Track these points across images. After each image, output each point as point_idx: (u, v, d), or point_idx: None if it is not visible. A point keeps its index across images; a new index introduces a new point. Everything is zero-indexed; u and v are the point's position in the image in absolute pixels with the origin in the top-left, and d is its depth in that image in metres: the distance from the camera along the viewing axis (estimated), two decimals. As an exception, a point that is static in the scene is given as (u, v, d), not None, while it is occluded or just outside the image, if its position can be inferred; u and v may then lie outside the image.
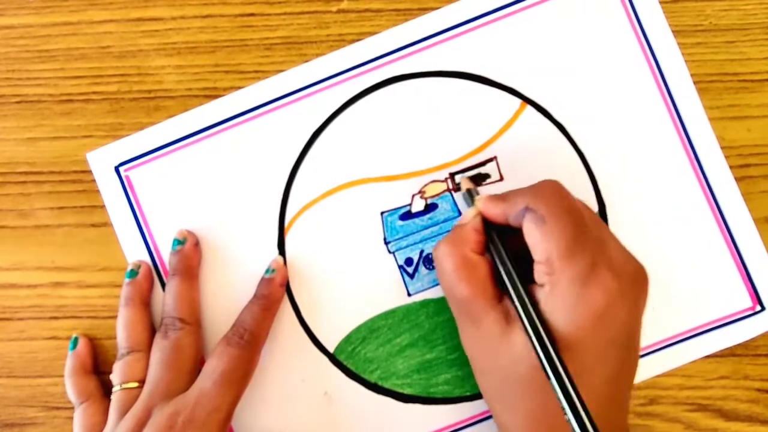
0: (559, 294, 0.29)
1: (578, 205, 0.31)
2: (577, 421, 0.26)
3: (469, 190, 0.35)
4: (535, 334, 0.28)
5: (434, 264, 0.33)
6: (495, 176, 0.37)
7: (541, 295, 0.29)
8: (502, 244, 0.31)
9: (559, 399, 0.27)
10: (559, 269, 0.29)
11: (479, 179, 0.37)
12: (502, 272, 0.31)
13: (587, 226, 0.30)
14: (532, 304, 0.29)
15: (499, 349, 0.30)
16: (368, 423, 0.36)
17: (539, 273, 0.30)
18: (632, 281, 0.30)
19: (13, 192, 0.38)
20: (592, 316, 0.28)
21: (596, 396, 0.28)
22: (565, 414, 0.27)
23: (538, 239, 0.29)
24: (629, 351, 0.30)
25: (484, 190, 0.37)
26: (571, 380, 0.27)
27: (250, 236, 0.37)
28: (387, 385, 0.36)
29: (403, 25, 0.38)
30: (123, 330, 0.35)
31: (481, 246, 0.32)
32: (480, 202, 0.33)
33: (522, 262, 0.30)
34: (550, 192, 0.31)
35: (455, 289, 0.31)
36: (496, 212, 0.32)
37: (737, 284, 0.36)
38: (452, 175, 0.37)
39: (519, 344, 0.29)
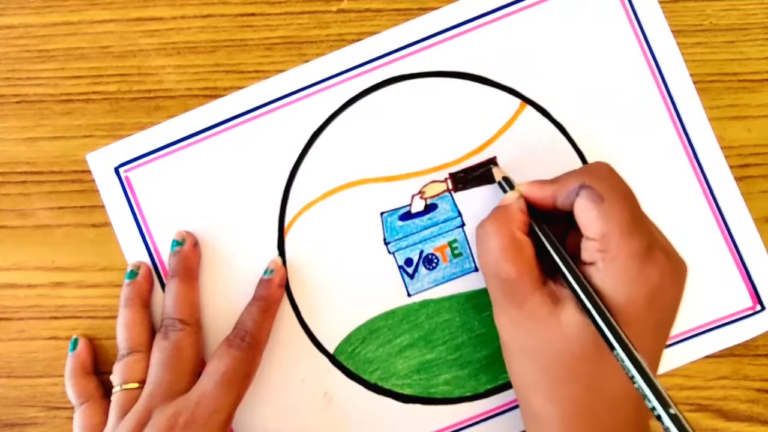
0: (614, 271, 0.29)
1: (630, 188, 0.31)
2: (652, 390, 0.26)
3: (505, 178, 0.35)
4: (596, 309, 0.28)
5: (477, 242, 0.33)
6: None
7: (593, 271, 0.29)
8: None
9: (626, 368, 0.27)
10: (617, 246, 0.29)
11: (482, 180, 0.37)
12: (552, 252, 0.30)
13: (640, 209, 0.30)
14: (587, 281, 0.29)
15: (545, 331, 0.30)
16: (368, 423, 0.36)
17: (590, 251, 0.29)
18: (679, 266, 0.30)
19: (13, 192, 0.38)
20: (646, 294, 0.28)
21: None
22: (635, 383, 0.27)
23: (593, 216, 0.29)
24: (666, 336, 0.31)
25: (488, 191, 0.37)
26: (637, 350, 0.27)
27: (250, 236, 0.37)
28: (387, 385, 0.36)
29: (403, 25, 0.38)
30: (123, 331, 0.35)
31: (526, 227, 0.32)
32: (523, 186, 0.33)
33: (564, 247, 0.31)
34: (606, 172, 0.31)
35: (500, 269, 0.31)
36: (544, 194, 0.32)
37: (737, 284, 0.36)
38: (452, 175, 0.37)
39: (570, 324, 0.29)
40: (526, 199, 0.32)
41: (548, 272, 0.31)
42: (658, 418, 0.26)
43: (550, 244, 0.31)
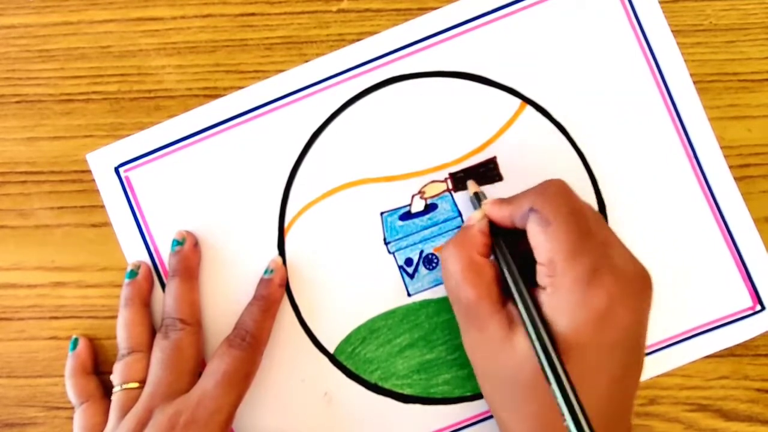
0: (561, 296, 0.29)
1: (583, 206, 0.31)
2: (576, 427, 0.26)
3: (476, 194, 0.35)
4: (537, 337, 0.28)
5: (441, 266, 0.33)
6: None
7: (544, 297, 0.29)
8: (509, 248, 0.31)
9: (558, 405, 0.27)
10: (561, 271, 0.29)
11: (482, 180, 0.37)
12: (507, 274, 0.30)
13: (591, 229, 0.30)
14: (535, 307, 0.29)
15: (501, 352, 0.30)
16: (368, 423, 0.36)
17: (541, 275, 0.30)
18: (635, 284, 0.30)
19: (13, 192, 0.38)
20: (593, 318, 0.28)
21: (599, 397, 0.28)
22: (564, 420, 0.27)
23: (541, 240, 0.29)
24: (633, 354, 0.30)
25: (487, 192, 0.37)
26: (572, 385, 0.27)
27: (250, 236, 0.37)
28: (387, 385, 0.36)
29: (403, 25, 0.38)
30: (123, 330, 0.35)
31: (487, 249, 0.32)
32: (486, 205, 0.33)
33: (529, 265, 0.30)
34: (555, 192, 0.30)
35: (460, 292, 0.31)
36: (502, 215, 0.32)
37: (737, 284, 0.36)
38: (452, 175, 0.37)
39: (522, 348, 0.29)
40: (490, 219, 0.32)
41: (509, 293, 0.31)
42: None
43: (506, 267, 0.31)
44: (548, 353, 0.28)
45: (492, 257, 0.32)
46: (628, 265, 0.30)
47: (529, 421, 0.30)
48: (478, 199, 0.35)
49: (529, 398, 0.29)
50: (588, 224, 0.30)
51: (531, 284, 0.30)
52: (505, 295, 0.31)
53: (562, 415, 0.27)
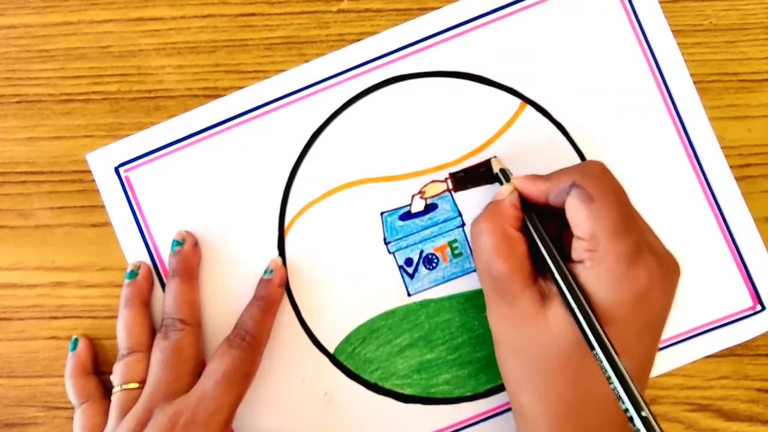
0: (602, 271, 0.29)
1: (623, 189, 0.31)
2: (625, 391, 0.26)
3: (502, 170, 0.35)
4: (578, 307, 0.28)
5: (470, 239, 0.33)
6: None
7: (581, 270, 0.29)
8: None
9: (603, 368, 0.27)
10: (605, 247, 0.29)
11: (482, 180, 0.37)
12: (541, 247, 0.30)
13: (631, 211, 0.30)
14: (573, 279, 0.29)
15: (533, 328, 0.30)
16: (368, 423, 0.36)
17: (579, 249, 0.30)
18: (669, 268, 0.30)
19: (13, 192, 0.38)
20: (634, 295, 0.28)
21: None
22: (611, 383, 0.27)
23: (583, 216, 0.29)
24: (656, 338, 0.31)
25: (487, 191, 0.37)
26: (615, 350, 0.27)
27: (250, 236, 0.37)
28: (387, 385, 0.36)
29: (403, 25, 0.38)
30: (123, 331, 0.35)
31: (519, 222, 0.32)
32: (518, 180, 0.33)
33: (555, 244, 0.31)
34: (597, 172, 0.31)
35: (492, 265, 0.31)
36: (536, 190, 0.32)
37: (737, 284, 0.36)
38: (452, 175, 0.37)
39: (556, 323, 0.29)
40: (520, 193, 0.32)
41: (540, 269, 0.31)
42: (630, 419, 0.26)
43: (541, 240, 0.31)
44: (589, 319, 0.28)
45: (523, 232, 0.32)
46: (663, 250, 0.31)
47: (551, 401, 0.30)
48: (504, 175, 0.34)
49: (556, 377, 0.29)
50: (629, 206, 0.30)
51: (563, 259, 0.30)
52: (536, 272, 0.31)
53: (608, 378, 0.27)
